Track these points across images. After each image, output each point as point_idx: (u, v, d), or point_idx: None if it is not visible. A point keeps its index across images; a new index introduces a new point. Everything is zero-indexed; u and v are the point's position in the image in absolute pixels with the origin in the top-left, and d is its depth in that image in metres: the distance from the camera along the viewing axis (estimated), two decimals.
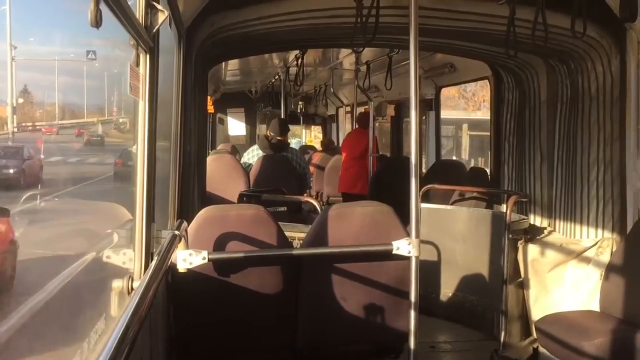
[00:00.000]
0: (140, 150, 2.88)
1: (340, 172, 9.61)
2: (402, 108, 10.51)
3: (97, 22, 2.13)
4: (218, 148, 11.06)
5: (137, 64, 2.83)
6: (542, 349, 4.78)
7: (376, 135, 9.45)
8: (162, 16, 2.86)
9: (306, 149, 15.36)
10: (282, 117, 9.94)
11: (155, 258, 2.83)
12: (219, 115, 13.79)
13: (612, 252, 4.80)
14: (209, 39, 4.51)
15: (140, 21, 2.73)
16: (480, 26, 4.73)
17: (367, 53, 7.96)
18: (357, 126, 9.81)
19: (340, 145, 12.03)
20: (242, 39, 5.04)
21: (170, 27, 3.56)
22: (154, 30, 2.87)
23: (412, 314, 3.55)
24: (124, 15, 2.27)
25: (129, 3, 2.39)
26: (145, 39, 2.76)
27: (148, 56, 2.85)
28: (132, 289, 2.73)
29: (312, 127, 18.69)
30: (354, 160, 9.23)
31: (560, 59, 5.20)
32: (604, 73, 4.77)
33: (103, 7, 1.98)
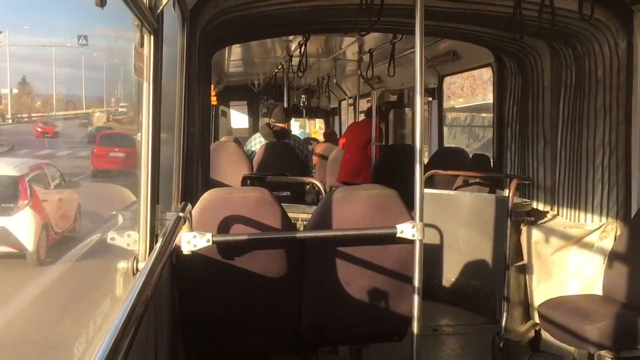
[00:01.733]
0: (144, 133, 2.88)
1: (342, 161, 9.55)
2: (404, 98, 10.50)
3: (102, 2, 2.12)
4: (221, 140, 11.05)
5: (142, 45, 2.82)
6: (544, 333, 4.80)
7: (381, 126, 9.43)
8: None
9: (309, 139, 15.35)
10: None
11: (160, 240, 2.83)
12: (221, 107, 13.77)
13: (615, 236, 4.80)
14: (212, 20, 4.49)
15: (145, 1, 2.72)
16: (486, 8, 4.70)
17: (370, 41, 7.91)
18: (364, 117, 9.79)
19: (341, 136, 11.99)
20: (246, 21, 5.01)
21: (174, 9, 3.54)
22: (158, 11, 2.86)
23: (416, 297, 3.56)
24: None
25: None
26: (150, 19, 2.75)
27: (152, 37, 2.84)
28: (137, 270, 2.74)
29: (316, 120, 18.69)
30: (358, 149, 9.18)
31: (565, 43, 5.17)
32: (611, 56, 4.74)
33: None
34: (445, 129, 10.06)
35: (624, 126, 4.78)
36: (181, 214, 3.14)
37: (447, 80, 9.23)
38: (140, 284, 2.13)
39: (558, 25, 4.40)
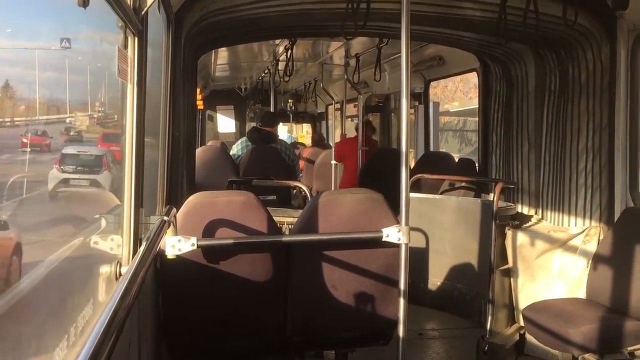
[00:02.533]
0: (128, 136, 2.85)
1: (342, 175, 9.50)
2: (390, 102, 10.55)
3: (85, 2, 2.09)
4: (208, 144, 11.01)
5: (125, 47, 2.79)
6: (528, 336, 4.83)
7: (374, 138, 9.53)
8: None
9: (296, 144, 15.36)
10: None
11: (144, 243, 2.80)
12: (208, 112, 13.72)
13: (599, 240, 4.84)
14: (198, 23, 4.47)
15: (129, 3, 2.69)
16: (471, 13, 4.73)
17: (357, 46, 7.94)
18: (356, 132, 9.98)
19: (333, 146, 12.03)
20: (232, 24, 5.00)
21: (159, 11, 3.52)
22: (143, 13, 2.83)
23: (401, 301, 3.55)
24: None
25: None
26: (134, 21, 2.72)
27: (137, 39, 2.82)
28: (120, 274, 2.71)
29: (303, 124, 18.73)
30: (357, 162, 9.22)
31: (549, 48, 5.22)
32: (594, 61, 4.79)
33: None
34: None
35: (607, 130, 4.83)
36: (165, 218, 3.11)
37: (442, 82, 9.34)
38: (123, 289, 2.10)
39: (542, 31, 4.44)
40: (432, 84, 9.11)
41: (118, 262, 2.76)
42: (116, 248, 2.86)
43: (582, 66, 4.90)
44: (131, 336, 2.60)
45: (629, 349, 4.14)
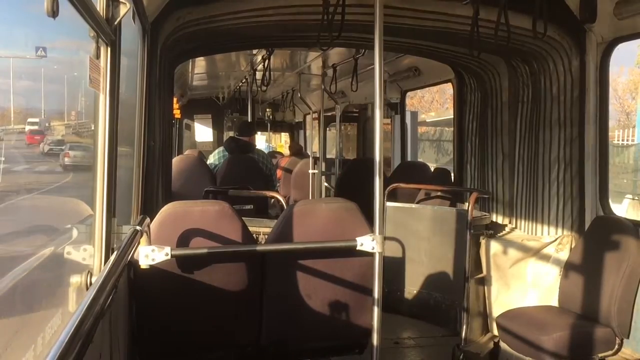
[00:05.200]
0: (100, 145, 2.83)
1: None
2: (367, 112, 10.64)
3: (54, 12, 2.08)
4: (185, 153, 10.96)
5: (98, 57, 2.79)
6: (502, 344, 4.88)
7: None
8: (124, 9, 2.82)
9: (274, 153, 15.36)
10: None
11: (115, 253, 2.79)
12: (185, 121, 13.69)
13: (571, 248, 4.92)
14: (174, 34, 4.47)
15: (102, 13, 2.69)
16: (444, 26, 4.80)
17: (334, 56, 7.99)
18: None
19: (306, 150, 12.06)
20: (208, 35, 5.01)
21: (134, 21, 3.52)
22: (116, 23, 2.83)
23: (376, 310, 3.58)
24: (82, 5, 2.23)
25: None
26: (107, 31, 2.72)
27: (109, 49, 2.81)
28: (90, 284, 2.69)
29: (281, 133, 18.74)
30: None
31: (522, 60, 5.32)
32: (565, 73, 4.90)
33: None
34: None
35: (577, 141, 4.93)
36: (138, 228, 3.10)
37: (419, 93, 9.45)
38: (90, 298, 2.09)
39: (514, 43, 4.52)
40: (409, 94, 9.22)
41: (89, 272, 2.73)
42: (89, 258, 2.84)
43: (554, 78, 5.01)
44: (102, 346, 2.58)
45: (600, 355, 4.21)
